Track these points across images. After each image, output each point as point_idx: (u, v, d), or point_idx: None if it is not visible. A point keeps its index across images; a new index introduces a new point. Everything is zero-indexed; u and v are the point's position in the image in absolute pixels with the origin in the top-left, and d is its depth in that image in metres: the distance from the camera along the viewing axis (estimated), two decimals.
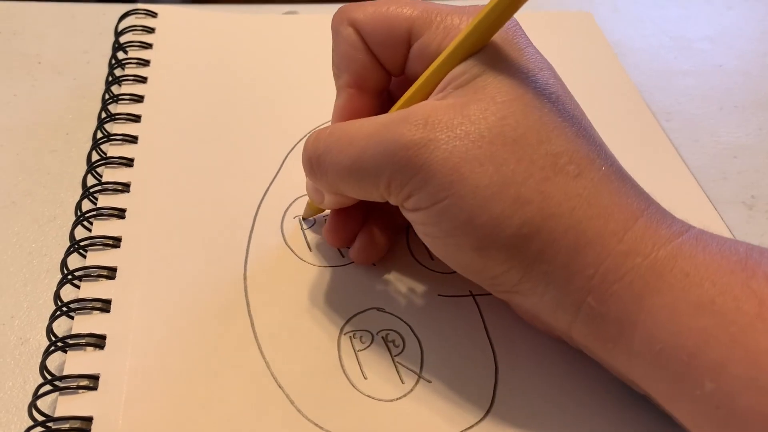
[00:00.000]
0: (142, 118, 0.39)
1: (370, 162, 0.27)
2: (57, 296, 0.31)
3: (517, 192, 0.25)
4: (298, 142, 0.39)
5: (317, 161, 0.29)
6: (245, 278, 0.32)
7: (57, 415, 0.27)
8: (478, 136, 0.25)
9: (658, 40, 0.52)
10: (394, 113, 0.27)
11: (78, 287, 0.31)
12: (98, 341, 0.29)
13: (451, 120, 0.25)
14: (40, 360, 0.29)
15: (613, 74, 0.46)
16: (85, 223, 0.34)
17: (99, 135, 0.38)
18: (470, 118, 0.25)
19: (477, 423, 0.28)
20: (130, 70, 0.42)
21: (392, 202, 0.28)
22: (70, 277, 0.31)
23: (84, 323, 0.30)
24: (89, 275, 0.32)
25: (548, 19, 0.49)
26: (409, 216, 0.28)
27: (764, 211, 0.40)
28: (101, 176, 0.36)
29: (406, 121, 0.26)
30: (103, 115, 0.39)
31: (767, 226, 0.39)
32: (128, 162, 0.37)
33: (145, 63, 0.43)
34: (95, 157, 0.37)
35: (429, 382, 0.29)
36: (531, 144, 0.25)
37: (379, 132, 0.26)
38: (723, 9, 0.56)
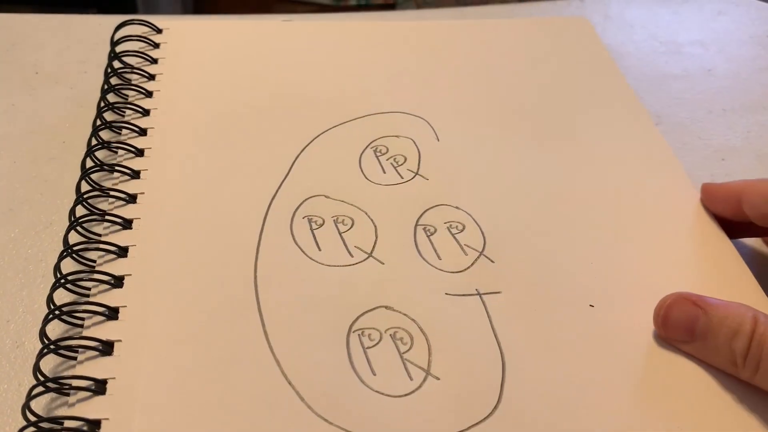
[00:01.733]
0: (150, 131, 0.39)
1: None
2: (50, 300, 0.30)
3: None
4: (308, 144, 0.39)
5: None
6: (255, 278, 0.32)
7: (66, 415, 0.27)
8: None
9: (649, 45, 0.53)
10: None
11: (74, 293, 0.31)
12: (105, 348, 0.29)
13: None
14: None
15: (610, 78, 0.46)
16: (80, 229, 0.33)
17: (93, 142, 0.37)
18: None
19: (484, 419, 0.28)
20: (137, 82, 0.42)
21: None
22: (63, 281, 0.31)
23: (94, 331, 0.29)
24: (81, 279, 0.31)
25: (544, 25, 0.50)
26: None
27: None
28: (98, 183, 0.36)
29: None
30: (98, 122, 0.39)
31: None
32: (135, 174, 0.36)
33: (151, 77, 0.42)
34: (89, 163, 0.36)
35: (437, 379, 0.29)
36: None
37: None
38: (714, 14, 0.57)
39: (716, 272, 0.34)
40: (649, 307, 0.32)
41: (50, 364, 0.29)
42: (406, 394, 0.28)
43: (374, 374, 0.29)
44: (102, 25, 0.49)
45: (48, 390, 0.28)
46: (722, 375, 0.30)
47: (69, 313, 0.30)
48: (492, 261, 0.34)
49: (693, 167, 0.42)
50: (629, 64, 0.51)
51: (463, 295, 0.32)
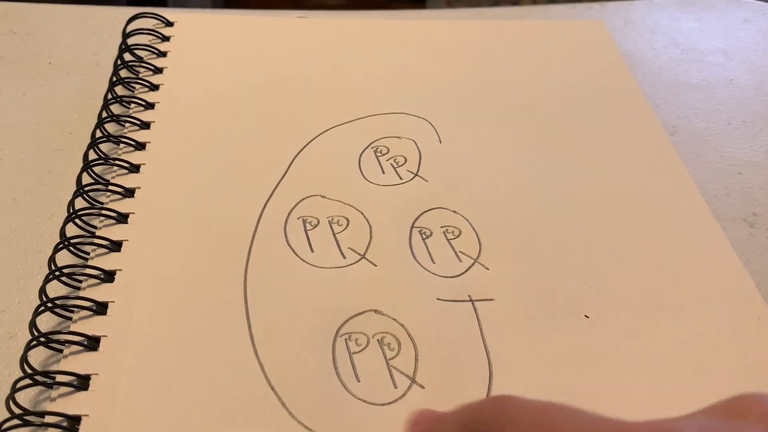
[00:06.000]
0: (153, 125, 0.39)
1: None
2: (42, 292, 0.30)
3: None
4: (308, 143, 0.39)
5: None
6: (245, 279, 0.32)
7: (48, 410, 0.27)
8: None
9: (670, 53, 0.51)
10: None
11: (69, 285, 0.31)
12: (91, 343, 0.29)
13: None
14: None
15: (621, 84, 0.45)
16: (78, 221, 0.33)
17: (98, 134, 0.38)
18: None
19: None
20: (144, 75, 0.42)
21: None
22: (57, 273, 0.31)
23: (82, 325, 0.30)
24: (75, 273, 0.31)
25: (558, 28, 0.49)
26: None
27: (765, 229, 0.39)
28: (100, 176, 0.36)
29: None
30: (104, 114, 0.39)
31: None
32: (134, 168, 0.36)
33: (158, 70, 0.43)
34: (92, 156, 0.37)
35: (422, 387, 0.28)
36: None
37: None
38: (739, 22, 0.55)
39: (720, 285, 0.33)
40: (647, 320, 0.31)
41: (41, 356, 0.30)
42: (389, 403, 0.28)
43: (358, 381, 0.28)
44: (118, 18, 0.49)
45: (35, 383, 0.28)
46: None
47: (63, 306, 0.30)
48: (487, 268, 0.33)
49: (706, 180, 0.41)
50: (648, 71, 0.49)
51: (455, 300, 0.32)
